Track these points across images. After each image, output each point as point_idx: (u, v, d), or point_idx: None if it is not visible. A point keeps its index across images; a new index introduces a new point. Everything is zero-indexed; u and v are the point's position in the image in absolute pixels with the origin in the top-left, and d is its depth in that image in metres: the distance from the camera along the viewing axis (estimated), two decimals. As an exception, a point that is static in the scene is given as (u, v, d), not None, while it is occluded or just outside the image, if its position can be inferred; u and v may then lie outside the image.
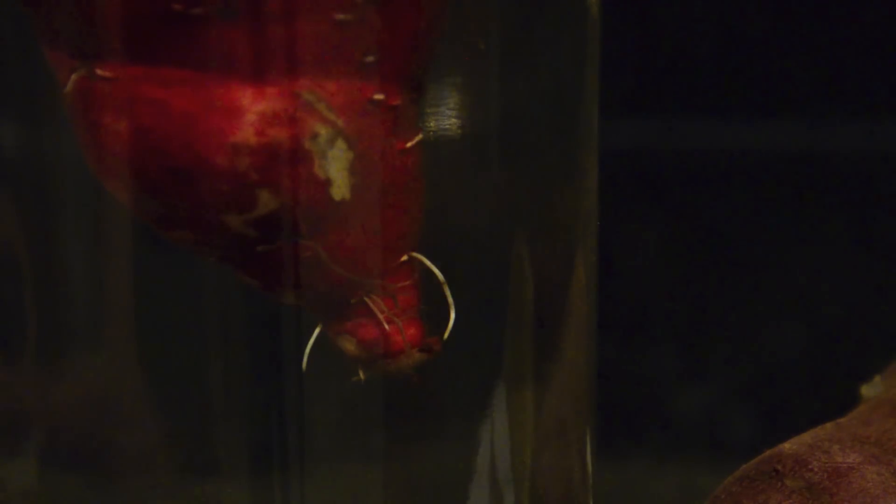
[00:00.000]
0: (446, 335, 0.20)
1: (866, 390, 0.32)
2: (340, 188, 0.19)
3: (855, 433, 0.26)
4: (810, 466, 0.23)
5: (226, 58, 0.18)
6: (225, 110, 0.18)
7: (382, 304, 0.19)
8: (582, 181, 0.23)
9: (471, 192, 0.21)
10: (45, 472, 0.23)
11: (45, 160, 0.22)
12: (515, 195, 0.22)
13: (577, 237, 0.23)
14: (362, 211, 0.19)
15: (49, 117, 0.22)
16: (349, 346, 0.20)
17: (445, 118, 0.20)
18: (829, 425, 0.27)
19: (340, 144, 0.18)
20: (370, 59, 0.18)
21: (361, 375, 0.20)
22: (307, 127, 0.18)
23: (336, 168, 0.18)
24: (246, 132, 0.18)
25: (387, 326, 0.19)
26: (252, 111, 0.18)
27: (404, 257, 0.20)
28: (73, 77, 0.19)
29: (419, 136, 0.20)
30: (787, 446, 0.25)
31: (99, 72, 0.19)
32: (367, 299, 0.19)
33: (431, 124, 0.20)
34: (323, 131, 0.18)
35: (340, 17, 0.18)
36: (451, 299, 0.20)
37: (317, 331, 0.20)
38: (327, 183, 0.18)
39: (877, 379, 0.33)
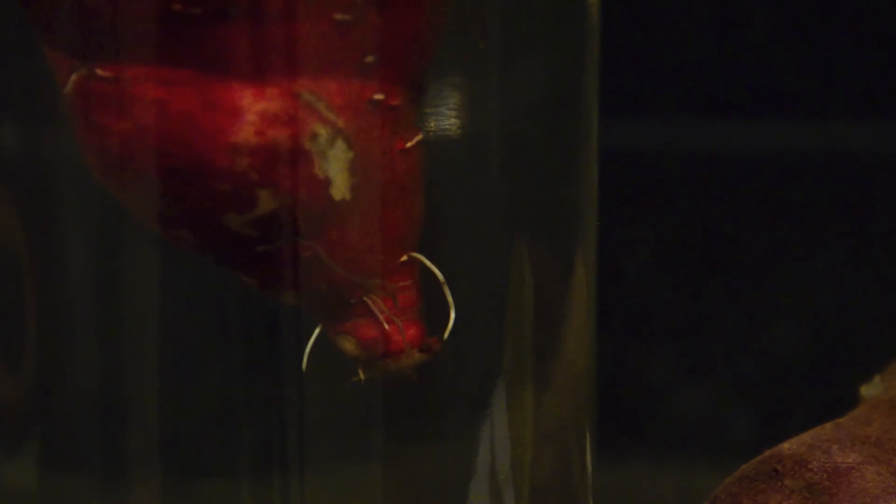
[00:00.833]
0: (446, 335, 0.20)
1: (866, 390, 0.32)
2: (340, 188, 0.18)
3: (854, 433, 0.26)
4: (810, 466, 0.23)
5: (225, 58, 0.18)
6: (225, 110, 0.18)
7: (382, 304, 0.19)
8: (582, 181, 0.23)
9: (470, 193, 0.21)
10: (46, 472, 0.22)
11: (46, 161, 0.22)
12: (515, 195, 0.21)
13: (576, 237, 0.23)
14: (362, 211, 0.19)
15: (49, 118, 0.21)
16: (349, 346, 0.20)
17: (445, 118, 0.20)
18: (828, 425, 0.27)
19: (340, 144, 0.18)
20: (370, 59, 0.18)
21: (361, 375, 0.20)
22: (307, 127, 0.18)
23: (336, 168, 0.18)
24: (246, 132, 0.18)
25: (387, 326, 0.19)
26: (252, 111, 0.18)
27: (404, 257, 0.20)
28: (73, 77, 0.19)
29: (419, 137, 0.20)
30: (787, 446, 0.25)
31: (99, 72, 0.18)
32: (366, 299, 0.19)
33: (431, 124, 0.20)
34: (322, 131, 0.18)
35: (340, 17, 0.18)
36: (450, 299, 0.20)
37: (317, 331, 0.20)
38: (327, 183, 0.18)
39: (876, 379, 0.33)
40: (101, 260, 0.22)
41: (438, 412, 0.22)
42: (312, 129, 0.18)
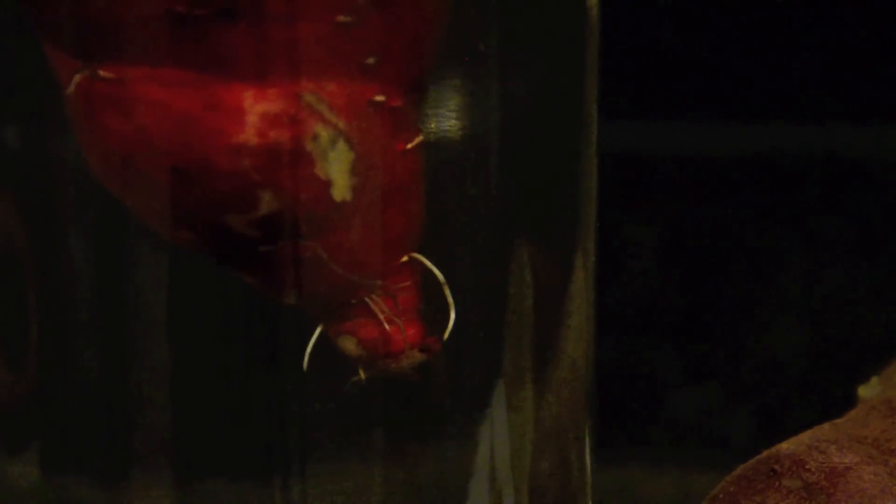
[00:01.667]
0: (446, 335, 0.20)
1: (864, 391, 0.32)
2: (341, 189, 0.18)
3: (852, 433, 0.26)
4: (807, 466, 0.23)
5: (227, 59, 0.18)
6: (227, 111, 0.18)
7: (383, 305, 0.19)
8: (581, 183, 0.23)
9: (471, 194, 0.21)
10: (50, 471, 0.22)
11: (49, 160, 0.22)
12: (515, 197, 0.21)
13: (576, 239, 0.23)
14: (363, 212, 0.19)
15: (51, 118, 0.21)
16: (350, 346, 0.19)
17: (446, 120, 0.20)
18: (826, 426, 0.27)
19: (341, 145, 0.18)
20: (371, 61, 0.18)
21: (362, 375, 0.20)
22: (308, 128, 0.18)
23: (337, 169, 0.18)
24: (248, 133, 0.18)
25: (387, 326, 0.19)
26: (254, 112, 0.18)
27: (405, 258, 0.19)
28: (76, 78, 0.19)
29: (420, 138, 0.19)
30: (785, 446, 0.25)
31: (101, 73, 0.18)
32: (367, 299, 0.19)
33: (432, 126, 0.20)
34: (324, 132, 0.18)
35: (342, 19, 0.18)
36: (451, 300, 0.20)
37: (318, 331, 0.19)
38: (328, 184, 0.18)
39: (874, 380, 0.33)
40: (105, 260, 0.22)
41: (438, 412, 0.21)
42: (314, 130, 0.18)
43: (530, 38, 0.21)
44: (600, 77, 0.23)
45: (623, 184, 0.48)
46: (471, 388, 0.21)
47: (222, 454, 0.21)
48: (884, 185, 0.52)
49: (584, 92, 0.22)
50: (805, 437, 0.26)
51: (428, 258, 0.20)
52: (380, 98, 0.19)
